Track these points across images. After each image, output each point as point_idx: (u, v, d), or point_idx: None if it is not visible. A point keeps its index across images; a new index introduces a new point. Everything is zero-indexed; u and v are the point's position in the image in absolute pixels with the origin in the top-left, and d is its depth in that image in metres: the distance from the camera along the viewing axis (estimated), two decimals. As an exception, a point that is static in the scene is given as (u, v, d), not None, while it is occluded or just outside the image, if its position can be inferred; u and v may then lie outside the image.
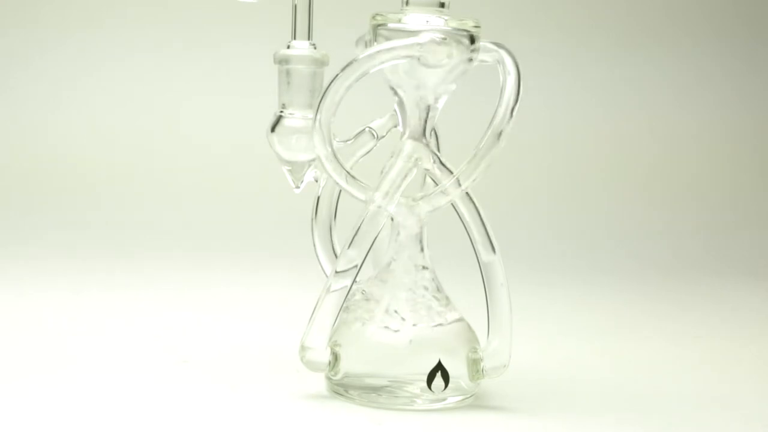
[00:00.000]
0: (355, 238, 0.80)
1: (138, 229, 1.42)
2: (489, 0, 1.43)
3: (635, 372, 0.96)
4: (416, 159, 0.81)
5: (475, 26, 0.80)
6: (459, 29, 0.79)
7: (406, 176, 0.81)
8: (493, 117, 0.79)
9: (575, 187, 1.56)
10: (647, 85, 1.63)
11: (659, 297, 1.27)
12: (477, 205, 0.81)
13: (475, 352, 0.82)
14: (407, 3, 0.81)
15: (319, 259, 0.87)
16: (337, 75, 0.78)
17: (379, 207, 0.80)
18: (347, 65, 0.78)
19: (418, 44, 0.78)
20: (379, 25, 0.81)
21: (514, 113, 0.79)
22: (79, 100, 1.57)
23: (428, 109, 0.82)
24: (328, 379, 0.83)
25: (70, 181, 1.51)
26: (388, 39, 0.80)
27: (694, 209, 1.55)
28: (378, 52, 0.78)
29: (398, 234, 0.83)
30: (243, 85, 1.55)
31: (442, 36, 0.78)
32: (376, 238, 0.81)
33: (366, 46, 0.82)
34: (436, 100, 0.82)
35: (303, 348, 0.82)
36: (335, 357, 0.82)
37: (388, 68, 0.79)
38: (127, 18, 1.58)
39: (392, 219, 0.82)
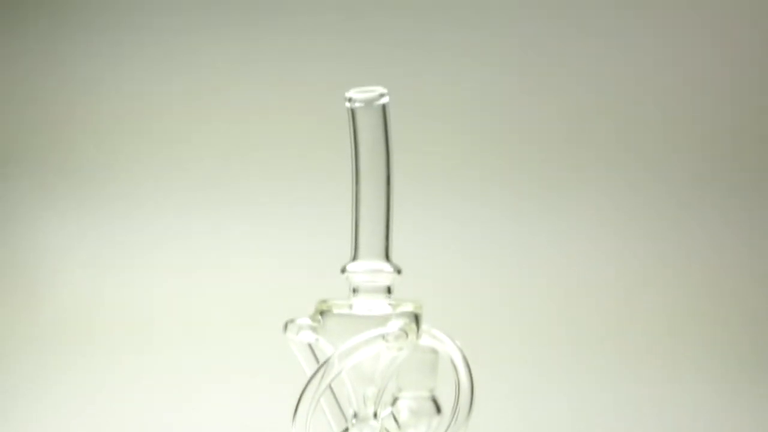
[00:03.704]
0: None
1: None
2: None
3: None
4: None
5: (418, 307, 0.81)
6: (409, 312, 0.79)
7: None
8: (455, 408, 0.80)
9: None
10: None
11: None
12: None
13: None
14: (354, 291, 0.81)
15: None
16: (309, 381, 0.77)
17: None
18: (320, 367, 0.77)
19: (387, 334, 0.77)
20: (325, 312, 0.80)
21: (474, 402, 0.80)
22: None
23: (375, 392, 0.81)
24: None
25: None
26: (335, 326, 0.79)
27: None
28: (350, 348, 0.77)
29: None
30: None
31: (405, 322, 0.78)
32: None
33: (303, 330, 0.80)
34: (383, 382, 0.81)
35: None
36: None
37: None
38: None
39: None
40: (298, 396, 0.76)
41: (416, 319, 0.79)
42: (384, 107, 0.78)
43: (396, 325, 0.77)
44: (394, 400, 0.83)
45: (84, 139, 1.52)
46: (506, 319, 1.43)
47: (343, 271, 0.80)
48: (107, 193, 1.50)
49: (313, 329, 0.80)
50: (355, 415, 0.80)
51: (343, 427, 0.82)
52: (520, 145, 1.47)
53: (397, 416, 0.83)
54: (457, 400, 0.80)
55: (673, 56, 1.47)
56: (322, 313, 0.80)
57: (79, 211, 1.51)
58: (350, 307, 0.80)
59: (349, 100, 0.79)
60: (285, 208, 1.43)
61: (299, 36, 1.47)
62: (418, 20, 1.48)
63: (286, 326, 0.82)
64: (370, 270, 0.79)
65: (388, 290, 0.80)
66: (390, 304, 0.80)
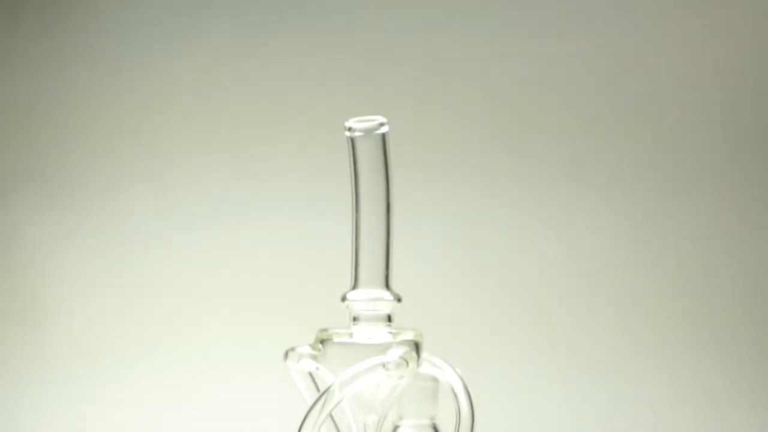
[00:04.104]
0: None
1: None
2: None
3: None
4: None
5: (419, 335, 0.80)
6: (409, 341, 0.79)
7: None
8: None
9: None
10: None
11: None
12: None
13: None
14: (355, 319, 0.81)
15: None
16: (310, 409, 0.76)
17: None
18: (321, 396, 0.76)
19: (387, 362, 0.77)
20: (325, 340, 0.80)
21: (474, 429, 0.80)
22: None
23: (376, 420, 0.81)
24: None
25: None
26: (336, 354, 0.79)
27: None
28: (351, 377, 0.77)
29: None
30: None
31: (405, 350, 0.78)
32: None
33: (304, 359, 0.81)
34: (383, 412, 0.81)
35: None
36: None
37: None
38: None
39: None
40: (298, 425, 0.76)
41: (416, 347, 0.79)
42: (384, 136, 0.78)
43: (396, 353, 0.77)
44: (395, 428, 0.83)
45: (84, 150, 1.52)
46: (506, 320, 1.43)
47: (344, 299, 0.80)
48: (104, 203, 1.50)
49: (314, 357, 0.80)
50: (356, 444, 0.80)
51: (344, 455, 0.82)
52: (519, 145, 1.46)
53: (397, 444, 0.84)
54: (458, 428, 0.80)
55: (666, 52, 1.46)
56: (322, 341, 0.79)
57: (75, 219, 1.51)
58: (350, 335, 0.80)
59: (349, 129, 0.78)
60: (286, 229, 1.43)
61: (301, 62, 1.46)
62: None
63: (286, 355, 0.81)
64: (370, 298, 0.80)
65: (389, 318, 0.80)
66: (390, 333, 0.79)
